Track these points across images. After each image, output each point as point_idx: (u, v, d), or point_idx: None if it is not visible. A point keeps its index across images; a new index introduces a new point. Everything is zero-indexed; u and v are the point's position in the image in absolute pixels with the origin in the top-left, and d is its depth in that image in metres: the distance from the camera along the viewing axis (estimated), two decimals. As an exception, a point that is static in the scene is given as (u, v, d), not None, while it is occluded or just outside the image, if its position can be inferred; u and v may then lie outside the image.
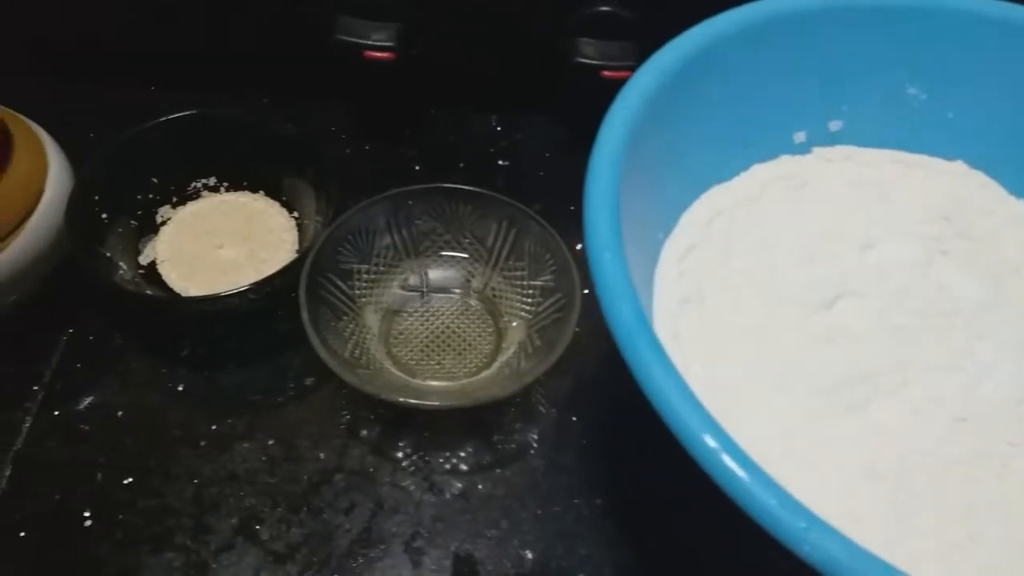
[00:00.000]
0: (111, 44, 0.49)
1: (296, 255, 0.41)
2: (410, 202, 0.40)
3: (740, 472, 0.23)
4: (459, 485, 0.36)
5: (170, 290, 0.40)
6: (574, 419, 0.39)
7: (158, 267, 0.41)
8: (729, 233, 0.37)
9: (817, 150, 0.40)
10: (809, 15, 0.37)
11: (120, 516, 0.35)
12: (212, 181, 0.44)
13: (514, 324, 0.40)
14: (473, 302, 0.41)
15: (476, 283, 0.42)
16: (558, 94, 0.51)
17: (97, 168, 0.39)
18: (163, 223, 0.42)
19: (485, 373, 0.39)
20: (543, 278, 0.39)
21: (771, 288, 0.36)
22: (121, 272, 0.39)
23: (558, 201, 0.47)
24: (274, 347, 0.40)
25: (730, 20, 0.35)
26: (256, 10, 0.46)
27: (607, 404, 0.39)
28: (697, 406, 0.24)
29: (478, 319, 0.41)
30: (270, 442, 0.37)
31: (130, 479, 0.36)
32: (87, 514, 0.35)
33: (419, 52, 0.45)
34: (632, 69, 0.44)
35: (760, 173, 0.39)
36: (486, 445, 0.38)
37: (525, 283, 0.40)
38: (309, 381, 0.39)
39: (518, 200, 0.46)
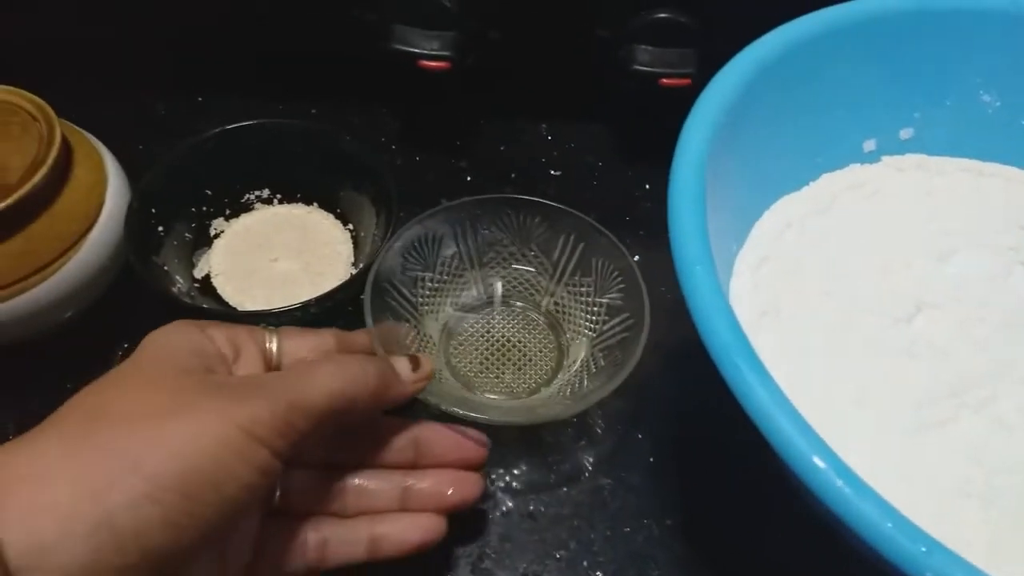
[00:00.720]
0: (158, 52, 0.49)
1: (352, 268, 0.41)
2: (478, 212, 0.39)
3: (854, 495, 0.22)
4: (524, 504, 0.35)
5: (226, 304, 0.39)
6: (639, 436, 0.38)
7: (212, 280, 0.40)
8: (802, 244, 0.36)
9: (887, 159, 0.39)
10: (882, 20, 0.36)
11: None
12: (265, 193, 0.43)
13: (577, 341, 0.39)
14: (536, 316, 0.40)
15: (540, 297, 0.41)
16: (611, 102, 0.51)
17: (155, 180, 0.38)
18: (217, 236, 0.42)
19: (545, 390, 0.38)
20: (610, 295, 0.38)
21: (848, 301, 0.35)
22: (178, 285, 0.38)
23: (613, 211, 0.47)
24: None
25: (805, 26, 0.34)
26: (308, 19, 0.46)
27: (673, 420, 0.38)
28: (805, 426, 0.23)
29: (540, 334, 0.40)
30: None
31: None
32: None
33: (473, 61, 0.44)
34: (691, 77, 0.44)
35: (830, 183, 0.38)
36: (545, 463, 0.37)
37: (591, 299, 0.39)
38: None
39: (572, 209, 0.46)
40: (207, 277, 0.40)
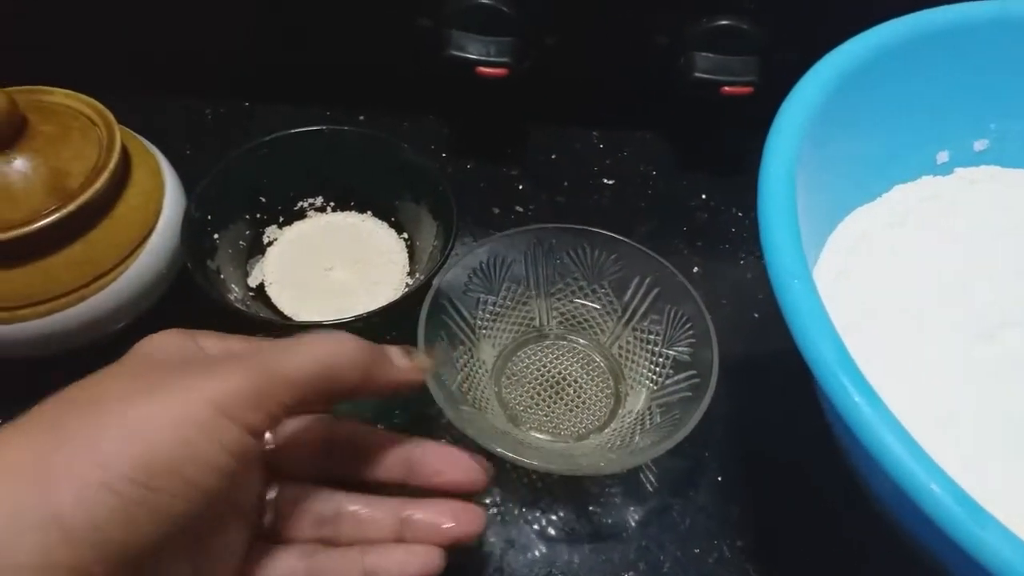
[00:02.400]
0: (206, 58, 0.48)
1: (408, 278, 0.40)
2: (552, 241, 0.37)
3: (971, 521, 0.21)
4: (589, 525, 0.34)
5: (280, 313, 0.38)
6: (706, 454, 0.37)
7: (267, 289, 0.39)
8: (877, 258, 0.35)
9: (960, 171, 0.38)
10: (961, 29, 0.35)
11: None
12: (319, 201, 0.42)
13: (636, 391, 0.37)
14: (596, 357, 0.38)
15: (604, 338, 0.39)
16: (664, 110, 0.50)
17: (211, 185, 0.37)
18: (270, 244, 0.41)
19: (594, 438, 0.36)
20: (678, 348, 0.36)
21: (926, 317, 0.33)
22: (234, 294, 0.37)
23: (668, 221, 0.46)
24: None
25: (885, 34, 0.33)
26: (360, 26, 0.45)
27: (740, 439, 0.37)
28: (921, 453, 0.22)
29: (597, 377, 0.38)
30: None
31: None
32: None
33: (529, 67, 0.43)
34: (753, 85, 0.43)
35: (902, 194, 0.37)
36: (613, 480, 0.36)
37: (657, 349, 0.37)
38: (430, 407, 0.37)
39: (626, 220, 0.45)
40: (261, 286, 0.39)
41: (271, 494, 0.28)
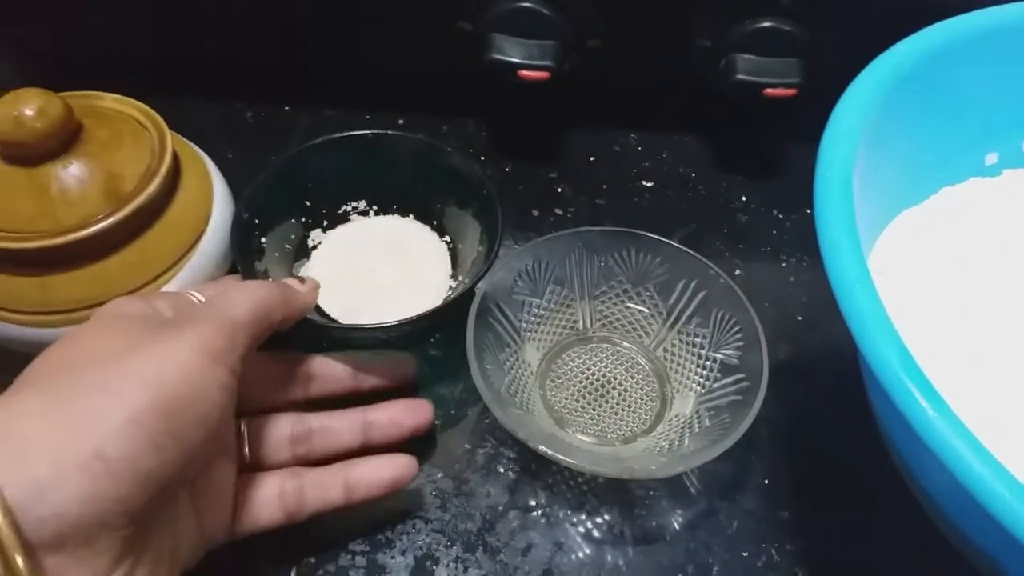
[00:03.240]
0: (247, 61, 0.49)
1: (452, 281, 0.40)
2: (598, 243, 0.37)
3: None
4: (638, 527, 0.34)
5: (326, 315, 0.38)
6: (752, 457, 0.37)
7: None
8: (926, 261, 0.35)
9: (1008, 172, 0.38)
10: (1011, 30, 0.35)
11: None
12: (362, 205, 0.42)
13: (683, 395, 0.37)
14: (640, 360, 0.38)
15: (649, 341, 0.39)
16: (703, 112, 0.50)
17: (259, 188, 0.38)
18: (315, 247, 0.41)
19: (641, 441, 0.36)
20: (725, 351, 0.36)
21: (978, 325, 0.33)
22: None
23: (709, 223, 0.46)
24: (429, 374, 0.38)
25: (939, 34, 0.33)
26: (401, 29, 0.45)
27: (786, 442, 0.37)
28: (999, 467, 0.21)
29: (643, 380, 0.38)
30: (439, 475, 0.35)
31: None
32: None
33: (570, 69, 0.43)
34: (797, 87, 0.43)
35: (951, 197, 0.37)
36: (657, 483, 0.36)
37: (704, 352, 0.37)
38: (471, 410, 0.38)
39: (665, 222, 0.45)
40: None
41: (243, 428, 0.31)
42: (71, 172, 0.33)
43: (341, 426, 0.33)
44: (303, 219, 0.41)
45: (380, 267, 0.40)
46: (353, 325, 0.36)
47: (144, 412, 0.24)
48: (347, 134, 0.40)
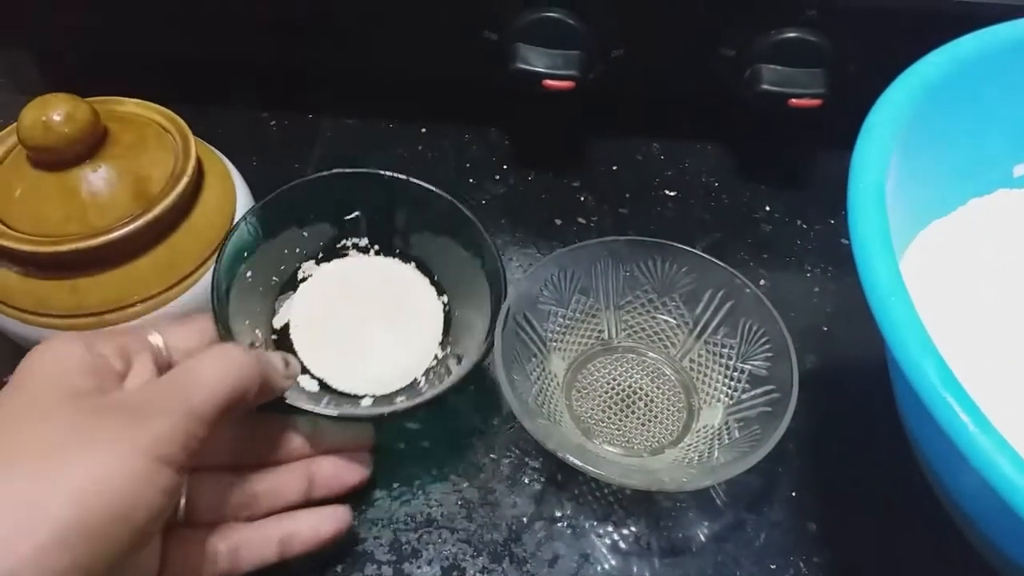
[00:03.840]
0: (271, 69, 0.49)
1: (439, 349, 0.37)
2: (623, 252, 0.37)
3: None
4: (663, 537, 0.34)
5: (295, 354, 0.36)
6: (779, 469, 0.36)
7: (291, 332, 0.37)
8: (955, 273, 0.35)
9: (1037, 184, 0.38)
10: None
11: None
12: (363, 242, 0.40)
13: (710, 405, 0.37)
14: (666, 370, 0.38)
15: (675, 351, 0.39)
16: (725, 121, 0.50)
17: (261, 210, 0.37)
18: (304, 280, 0.39)
19: (669, 452, 0.35)
20: (754, 362, 0.35)
21: (1007, 336, 0.33)
22: (253, 337, 0.35)
23: (732, 233, 0.46)
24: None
25: (970, 45, 0.33)
26: (425, 39, 0.46)
27: (813, 453, 0.37)
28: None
29: (669, 391, 0.38)
30: (464, 484, 0.35)
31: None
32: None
33: (594, 79, 0.43)
34: (822, 98, 0.43)
35: (979, 209, 0.37)
36: (683, 495, 0.35)
37: (732, 363, 0.36)
38: (494, 419, 0.37)
39: (689, 231, 0.45)
40: (286, 328, 0.37)
41: (184, 487, 0.30)
42: (100, 175, 0.33)
43: (286, 484, 0.31)
44: (297, 250, 0.39)
45: (369, 315, 0.38)
46: (332, 414, 0.32)
47: (73, 534, 0.22)
48: (360, 171, 0.38)
